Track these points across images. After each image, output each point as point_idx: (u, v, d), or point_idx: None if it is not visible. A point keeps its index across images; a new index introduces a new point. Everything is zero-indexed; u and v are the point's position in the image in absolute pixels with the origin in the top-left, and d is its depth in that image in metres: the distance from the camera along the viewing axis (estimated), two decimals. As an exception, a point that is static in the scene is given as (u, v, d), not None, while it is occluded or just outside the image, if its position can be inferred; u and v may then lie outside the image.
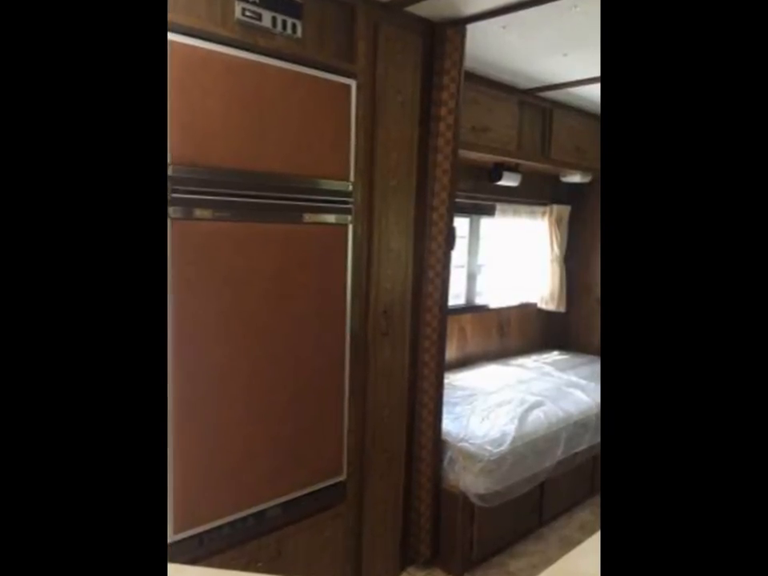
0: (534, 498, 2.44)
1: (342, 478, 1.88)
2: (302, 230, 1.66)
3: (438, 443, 2.23)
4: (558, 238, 3.79)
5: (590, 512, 2.64)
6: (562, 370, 3.33)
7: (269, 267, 1.60)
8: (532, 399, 2.68)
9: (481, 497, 2.18)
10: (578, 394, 2.88)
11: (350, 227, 1.77)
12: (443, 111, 2.03)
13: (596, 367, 3.34)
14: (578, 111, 3.14)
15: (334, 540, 1.90)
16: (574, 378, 3.15)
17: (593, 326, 3.83)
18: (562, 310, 3.89)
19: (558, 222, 3.78)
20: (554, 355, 3.76)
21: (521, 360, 3.56)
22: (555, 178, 3.58)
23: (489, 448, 2.21)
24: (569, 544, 2.30)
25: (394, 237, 1.97)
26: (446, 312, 2.16)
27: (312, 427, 1.76)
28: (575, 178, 3.48)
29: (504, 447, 2.24)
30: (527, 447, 2.33)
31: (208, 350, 1.50)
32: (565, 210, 3.80)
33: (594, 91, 2.77)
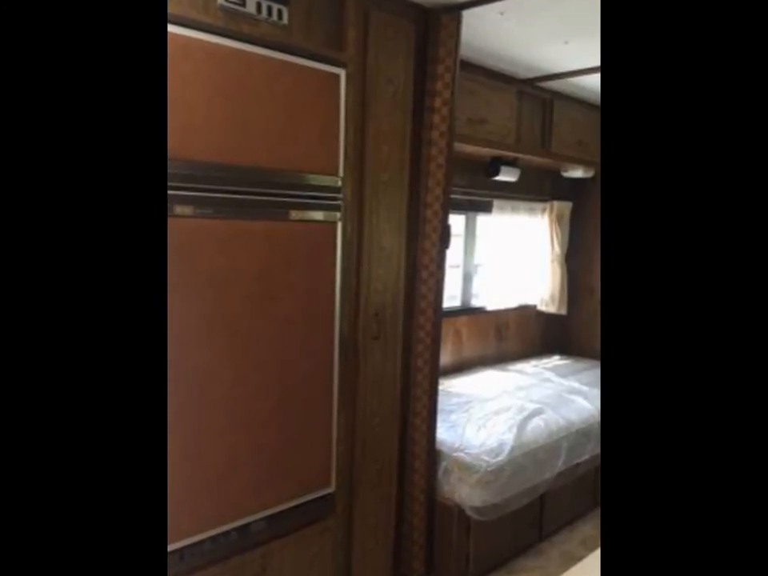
0: (534, 512, 2.48)
1: (330, 490, 1.91)
2: (288, 227, 1.69)
3: (432, 453, 2.26)
4: (559, 236, 3.83)
5: (593, 526, 2.68)
6: (563, 375, 3.38)
7: (253, 267, 1.62)
8: (531, 407, 2.72)
9: (477, 510, 2.21)
10: (580, 401, 2.93)
11: (339, 225, 1.80)
12: (438, 102, 2.06)
13: (599, 372, 3.38)
14: (580, 102, 3.19)
15: (322, 555, 1.93)
16: (575, 385, 3.20)
17: (595, 329, 3.87)
18: (563, 312, 3.93)
19: (559, 219, 3.82)
20: (555, 360, 3.81)
21: (519, 365, 3.61)
22: (556, 173, 3.63)
23: (486, 458, 2.25)
24: (570, 560, 2.34)
25: (386, 235, 2.00)
26: (440, 314, 2.19)
27: (299, 436, 1.79)
28: (577, 172, 3.53)
29: (502, 457, 2.28)
30: (526, 458, 2.37)
31: (188, 353, 1.52)
32: (566, 206, 3.85)
33: (596, 81, 2.81)
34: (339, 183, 1.79)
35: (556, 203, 3.76)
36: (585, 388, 3.13)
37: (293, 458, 1.78)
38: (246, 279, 1.61)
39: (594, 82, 2.82)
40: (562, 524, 2.66)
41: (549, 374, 3.40)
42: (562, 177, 3.64)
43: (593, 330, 3.89)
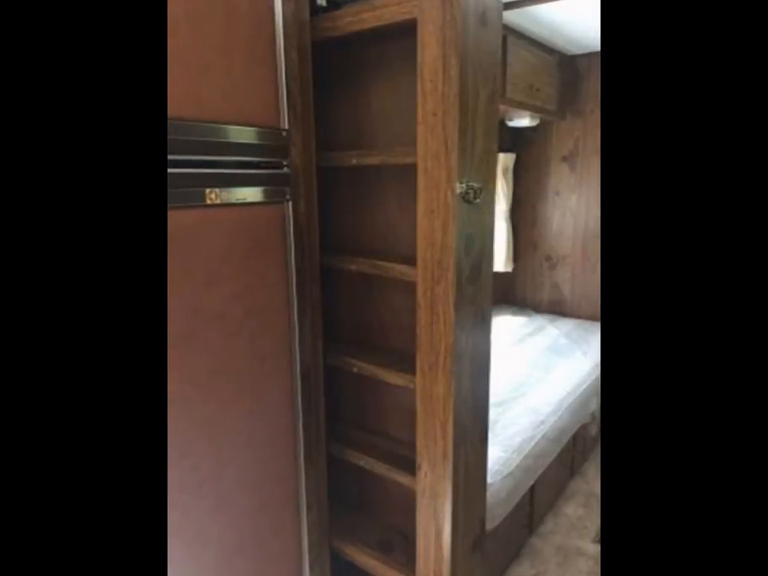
0: (525, 510, 2.07)
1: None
2: (204, 218, 1.02)
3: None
4: (505, 189, 3.38)
5: (575, 504, 2.35)
6: (521, 340, 2.98)
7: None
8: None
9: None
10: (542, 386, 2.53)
11: (290, 206, 1.15)
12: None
13: (546, 325, 3.05)
14: (533, 42, 2.66)
15: None
16: (536, 357, 2.81)
17: (540, 283, 3.57)
18: (509, 269, 3.55)
19: (504, 172, 3.36)
20: (507, 316, 3.40)
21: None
22: (500, 123, 3.11)
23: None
24: (566, 555, 1.98)
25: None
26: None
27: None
28: (524, 121, 3.03)
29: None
30: (519, 469, 1.92)
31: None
32: (510, 158, 3.38)
33: (556, 15, 2.27)
34: (284, 138, 1.12)
35: (501, 155, 3.27)
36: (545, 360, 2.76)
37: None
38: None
39: (552, 15, 2.27)
40: (546, 509, 2.29)
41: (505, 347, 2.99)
42: (505, 126, 3.14)
43: (538, 283, 3.57)
